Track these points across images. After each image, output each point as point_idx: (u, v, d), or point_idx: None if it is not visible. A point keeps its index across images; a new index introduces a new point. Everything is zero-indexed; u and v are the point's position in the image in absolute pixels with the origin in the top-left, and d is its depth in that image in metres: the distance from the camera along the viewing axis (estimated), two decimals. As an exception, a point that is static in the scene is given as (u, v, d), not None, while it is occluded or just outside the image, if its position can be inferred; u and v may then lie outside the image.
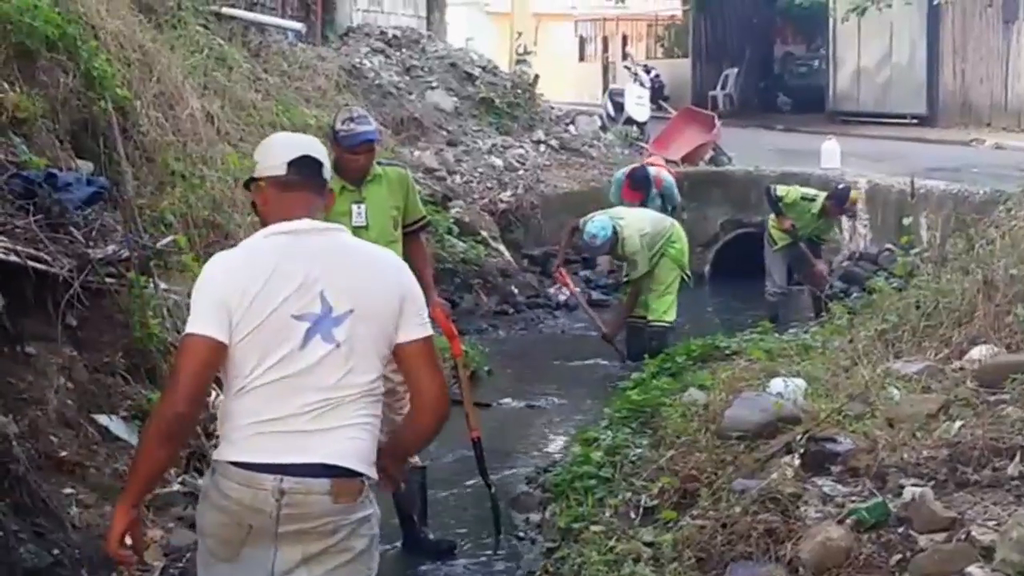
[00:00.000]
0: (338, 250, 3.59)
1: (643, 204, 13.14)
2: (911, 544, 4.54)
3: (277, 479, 3.42)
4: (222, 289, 3.49)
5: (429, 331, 3.62)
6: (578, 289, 12.93)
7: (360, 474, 3.52)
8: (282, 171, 3.63)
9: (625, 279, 11.61)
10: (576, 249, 13.12)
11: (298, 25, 16.61)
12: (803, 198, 12.61)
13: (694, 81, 31.14)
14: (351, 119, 6.37)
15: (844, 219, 13.85)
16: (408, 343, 3.56)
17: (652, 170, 13.83)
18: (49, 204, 6.90)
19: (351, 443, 3.50)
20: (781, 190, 12.81)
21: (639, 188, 13.37)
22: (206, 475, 3.62)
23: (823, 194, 12.66)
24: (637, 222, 11.19)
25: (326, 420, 3.48)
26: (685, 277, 11.45)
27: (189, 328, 3.47)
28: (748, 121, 26.10)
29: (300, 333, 3.47)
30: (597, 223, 11.09)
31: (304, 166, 3.65)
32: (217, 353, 3.45)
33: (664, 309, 11.11)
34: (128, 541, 3.52)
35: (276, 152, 3.70)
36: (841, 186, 13.15)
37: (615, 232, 10.96)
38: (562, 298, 14.04)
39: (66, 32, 8.08)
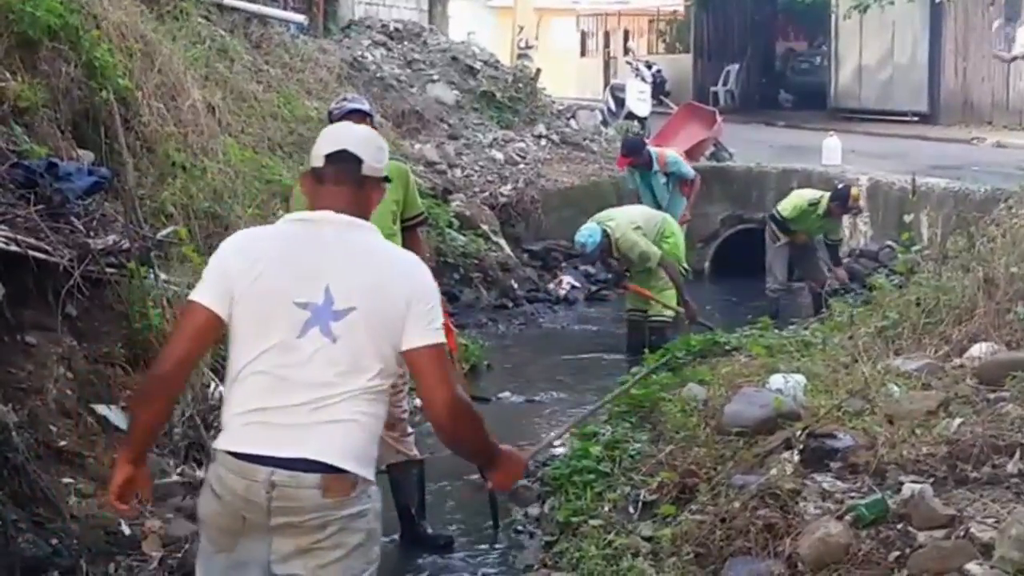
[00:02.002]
0: (351, 246, 3.55)
1: (641, 176, 13.13)
2: (910, 541, 4.54)
3: (269, 471, 3.41)
4: (230, 264, 3.52)
5: (434, 339, 3.50)
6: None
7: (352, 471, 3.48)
8: (319, 163, 3.64)
9: (635, 272, 11.53)
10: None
11: (300, 17, 16.58)
12: (809, 204, 12.59)
13: (695, 77, 31.09)
14: (343, 99, 6.58)
15: (847, 216, 13.79)
16: (410, 350, 3.49)
17: (655, 149, 13.74)
18: (50, 194, 6.89)
19: (343, 440, 3.46)
20: (784, 209, 12.75)
21: (631, 153, 13.31)
22: (212, 462, 3.63)
23: (827, 195, 12.63)
24: (626, 218, 11.20)
25: (319, 415, 3.44)
26: (683, 271, 11.44)
27: (191, 295, 3.55)
28: (749, 117, 26.08)
29: (299, 322, 3.45)
30: (584, 231, 11.07)
31: (340, 160, 3.62)
32: (210, 323, 3.50)
33: (666, 302, 11.11)
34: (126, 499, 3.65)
35: (320, 145, 3.68)
36: (840, 185, 13.11)
37: (606, 235, 10.95)
38: (562, 293, 14.05)
39: (68, 22, 8.07)
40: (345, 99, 6.62)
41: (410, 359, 3.50)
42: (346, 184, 3.61)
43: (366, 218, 3.66)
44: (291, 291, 3.46)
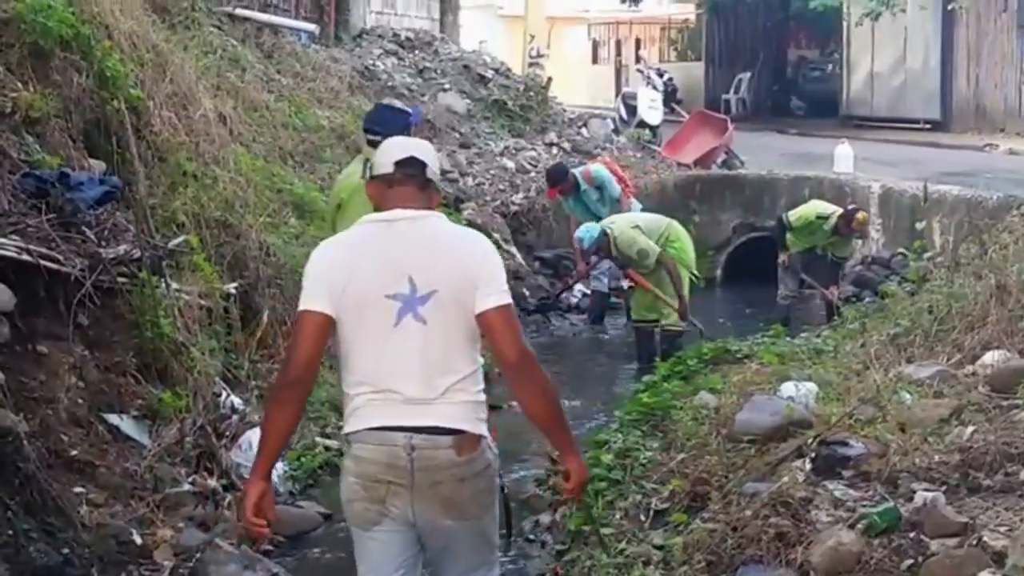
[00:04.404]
0: (423, 235, 4.00)
1: (575, 199, 13.16)
2: (922, 549, 4.52)
3: (407, 436, 3.87)
4: (324, 270, 3.97)
5: (502, 300, 3.94)
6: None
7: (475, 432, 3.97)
8: (389, 169, 4.08)
9: (632, 275, 11.54)
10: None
11: (311, 26, 16.62)
12: (818, 217, 12.59)
13: (707, 85, 31.07)
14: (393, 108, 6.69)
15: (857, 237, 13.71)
16: (482, 312, 3.92)
17: (577, 169, 13.79)
18: (62, 203, 6.92)
19: (463, 411, 3.95)
20: (793, 217, 12.77)
21: (556, 182, 13.36)
22: (346, 453, 4.04)
23: (838, 211, 12.62)
24: (627, 220, 11.32)
25: (432, 391, 3.90)
26: (693, 277, 11.39)
27: (300, 306, 3.96)
28: (761, 125, 26.06)
29: (393, 312, 3.90)
30: (583, 228, 11.32)
31: (408, 165, 4.07)
32: (322, 326, 3.93)
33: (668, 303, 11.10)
34: (261, 515, 3.94)
35: (388, 154, 4.13)
36: (852, 207, 13.08)
37: (605, 234, 11.01)
38: (574, 300, 14.03)
39: (80, 32, 8.10)
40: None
41: (483, 321, 3.94)
42: (413, 186, 4.06)
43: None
44: (381, 286, 3.91)
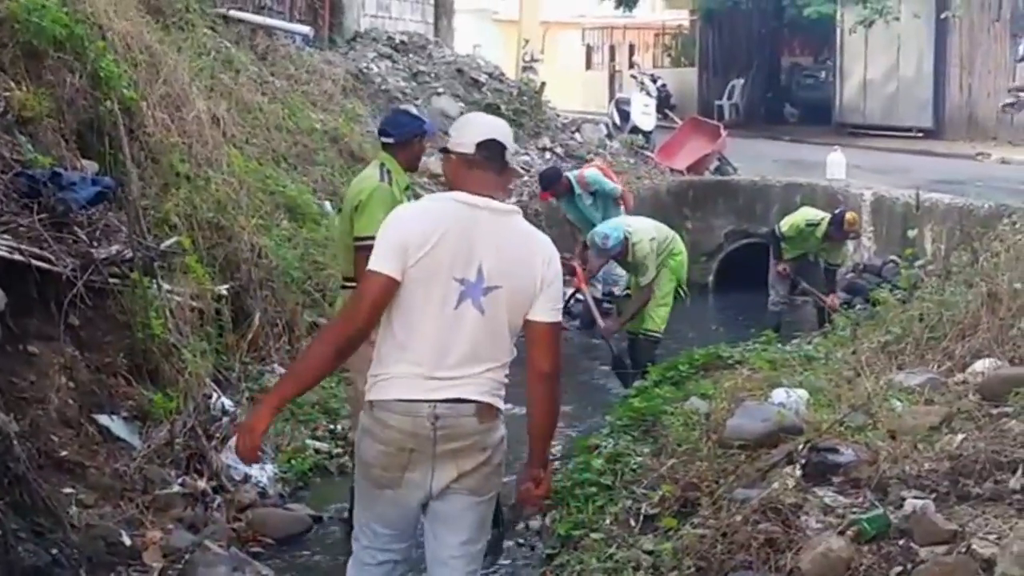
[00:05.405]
0: (503, 230, 4.12)
1: (568, 202, 13.20)
2: (912, 556, 4.52)
3: (431, 406, 4.01)
4: (403, 235, 4.03)
5: (556, 318, 4.16)
6: (587, 288, 12.82)
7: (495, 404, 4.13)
8: (470, 150, 4.16)
9: (633, 283, 11.54)
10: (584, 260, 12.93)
11: (305, 29, 16.60)
12: (808, 224, 12.55)
13: (700, 91, 31.13)
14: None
15: (850, 242, 13.70)
16: (535, 322, 4.12)
17: (572, 172, 13.81)
18: (54, 203, 6.90)
19: (487, 384, 4.09)
20: (785, 226, 12.74)
21: (549, 185, 13.39)
22: (363, 414, 4.15)
23: (827, 216, 12.60)
24: (644, 226, 11.23)
25: (466, 369, 4.03)
26: (681, 291, 11.35)
27: (370, 266, 4.03)
28: (754, 132, 26.09)
29: (455, 294, 4.02)
30: (610, 224, 11.12)
31: (489, 148, 4.17)
32: (391, 288, 4.01)
33: (662, 319, 11.09)
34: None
35: (469, 132, 4.22)
36: (838, 210, 13.06)
37: (626, 237, 10.95)
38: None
39: (73, 32, 8.08)
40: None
41: (532, 328, 4.13)
42: (493, 170, 4.19)
43: (506, 197, 4.19)
44: (452, 266, 4.02)
